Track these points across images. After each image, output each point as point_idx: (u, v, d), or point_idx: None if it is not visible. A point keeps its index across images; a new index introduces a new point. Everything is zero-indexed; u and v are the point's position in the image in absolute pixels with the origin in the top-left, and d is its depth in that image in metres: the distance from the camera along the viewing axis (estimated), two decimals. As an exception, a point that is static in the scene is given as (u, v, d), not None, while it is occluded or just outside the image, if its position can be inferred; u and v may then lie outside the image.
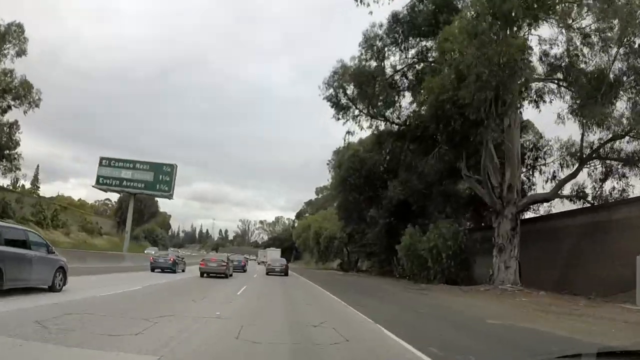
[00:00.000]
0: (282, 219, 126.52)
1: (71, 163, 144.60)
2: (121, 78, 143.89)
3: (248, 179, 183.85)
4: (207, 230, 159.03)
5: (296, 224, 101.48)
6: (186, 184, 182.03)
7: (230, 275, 25.80)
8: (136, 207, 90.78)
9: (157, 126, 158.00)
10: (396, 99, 27.07)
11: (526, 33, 19.61)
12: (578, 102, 20.02)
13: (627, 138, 20.69)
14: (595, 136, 21.59)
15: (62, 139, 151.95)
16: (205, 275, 23.81)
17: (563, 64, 20.95)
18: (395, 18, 25.15)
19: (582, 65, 20.21)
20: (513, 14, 17.59)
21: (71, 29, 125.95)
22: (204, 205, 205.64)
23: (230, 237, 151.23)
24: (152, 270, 26.23)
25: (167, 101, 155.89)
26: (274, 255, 55.94)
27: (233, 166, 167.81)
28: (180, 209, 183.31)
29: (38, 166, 70.63)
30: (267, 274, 32.72)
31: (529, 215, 26.95)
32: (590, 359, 2.30)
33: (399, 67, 26.93)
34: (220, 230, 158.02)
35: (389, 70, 26.72)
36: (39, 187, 68.39)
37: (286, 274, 32.64)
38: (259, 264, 63.66)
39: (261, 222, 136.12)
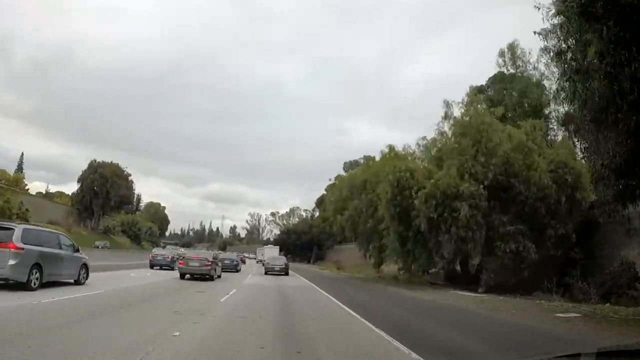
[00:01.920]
0: (297, 210, 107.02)
1: (84, 164, 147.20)
2: (130, 78, 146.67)
3: (262, 180, 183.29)
4: (218, 229, 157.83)
5: (317, 214, 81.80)
6: (201, 185, 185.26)
7: (218, 276, 22.02)
8: (98, 183, 62.38)
9: (170, 127, 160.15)
10: None
11: None
12: None
13: None
14: None
15: (75, 140, 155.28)
16: (186, 276, 20.15)
17: None
18: None
19: None
20: None
21: (78, 29, 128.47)
22: (219, 206, 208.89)
23: (242, 234, 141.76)
24: (151, 267, 26.34)
25: (179, 101, 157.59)
26: (272, 253, 51.11)
27: (247, 166, 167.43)
28: (194, 209, 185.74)
29: (22, 153, 64.47)
30: (265, 273, 30.19)
31: None
32: (589, 358, 2.21)
33: None
34: (231, 228, 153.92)
35: None
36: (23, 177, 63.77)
37: (286, 274, 29.96)
38: (257, 262, 59.33)
39: (272, 214, 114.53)
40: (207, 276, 20.03)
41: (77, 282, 13.92)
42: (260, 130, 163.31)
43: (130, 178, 69.54)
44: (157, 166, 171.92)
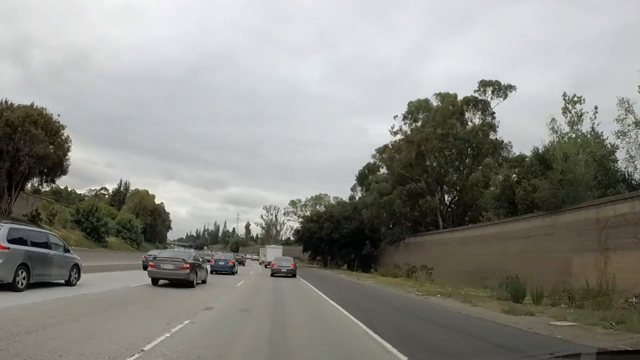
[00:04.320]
0: (325, 197, 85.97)
1: (105, 169, 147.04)
2: (150, 80, 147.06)
3: (282, 181, 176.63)
4: (234, 229, 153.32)
5: (360, 194, 60.94)
6: (221, 188, 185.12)
7: (202, 282, 18.76)
8: (2, 134, 29.55)
9: (190, 129, 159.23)
10: None
11: None
12: None
13: None
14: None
15: (96, 144, 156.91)
16: (159, 282, 16.69)
17: None
18: None
19: None
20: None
21: (98, 31, 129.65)
22: (239, 209, 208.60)
23: (259, 234, 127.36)
24: (145, 268, 22.86)
25: (198, 103, 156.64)
26: (276, 253, 45.37)
27: (266, 169, 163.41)
28: (214, 212, 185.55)
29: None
30: (271, 275, 28.70)
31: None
32: (589, 358, 2.22)
33: None
34: (245, 226, 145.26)
35: None
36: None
37: (294, 276, 28.44)
38: (260, 263, 54.46)
39: (292, 203, 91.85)
40: (186, 282, 16.40)
41: (68, 283, 13.73)
42: (281, 131, 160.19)
43: (64, 134, 35.60)
44: (177, 169, 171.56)
